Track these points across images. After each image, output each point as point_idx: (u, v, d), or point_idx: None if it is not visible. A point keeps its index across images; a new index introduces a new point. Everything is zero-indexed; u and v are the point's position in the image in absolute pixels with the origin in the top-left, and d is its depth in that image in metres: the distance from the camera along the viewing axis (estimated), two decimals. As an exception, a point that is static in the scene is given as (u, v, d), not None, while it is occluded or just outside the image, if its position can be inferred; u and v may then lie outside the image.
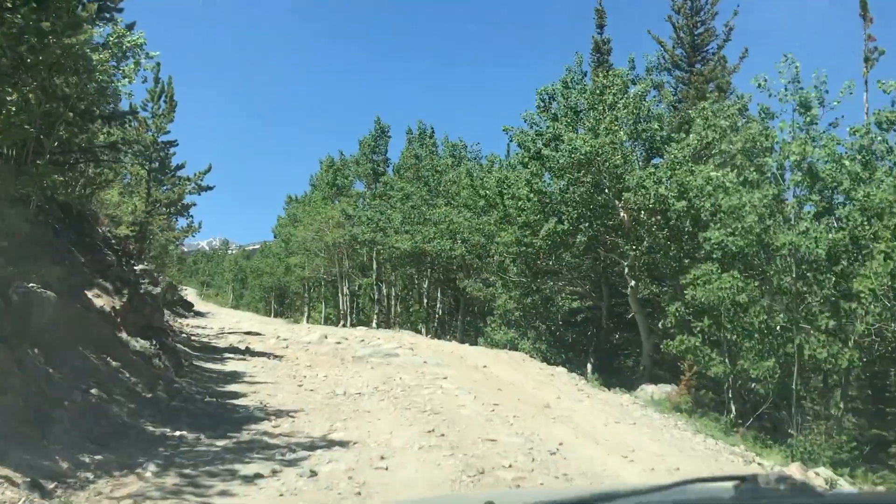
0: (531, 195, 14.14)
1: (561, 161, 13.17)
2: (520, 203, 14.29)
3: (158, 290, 20.58)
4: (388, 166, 29.79)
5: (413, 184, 24.98)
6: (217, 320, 28.72)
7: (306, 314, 39.56)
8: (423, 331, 27.14)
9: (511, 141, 14.48)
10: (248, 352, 14.10)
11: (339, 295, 33.82)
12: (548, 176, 15.22)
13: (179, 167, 18.72)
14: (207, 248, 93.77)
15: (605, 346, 18.03)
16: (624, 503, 1.35)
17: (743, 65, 19.72)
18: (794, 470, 7.32)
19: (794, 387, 9.91)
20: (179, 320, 26.31)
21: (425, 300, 28.34)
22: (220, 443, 6.55)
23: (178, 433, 6.99)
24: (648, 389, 14.00)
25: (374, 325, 28.19)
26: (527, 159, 14.32)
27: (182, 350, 12.48)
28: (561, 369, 15.09)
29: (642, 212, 14.31)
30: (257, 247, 66.15)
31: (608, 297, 17.80)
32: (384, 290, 30.82)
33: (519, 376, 13.00)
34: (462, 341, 22.36)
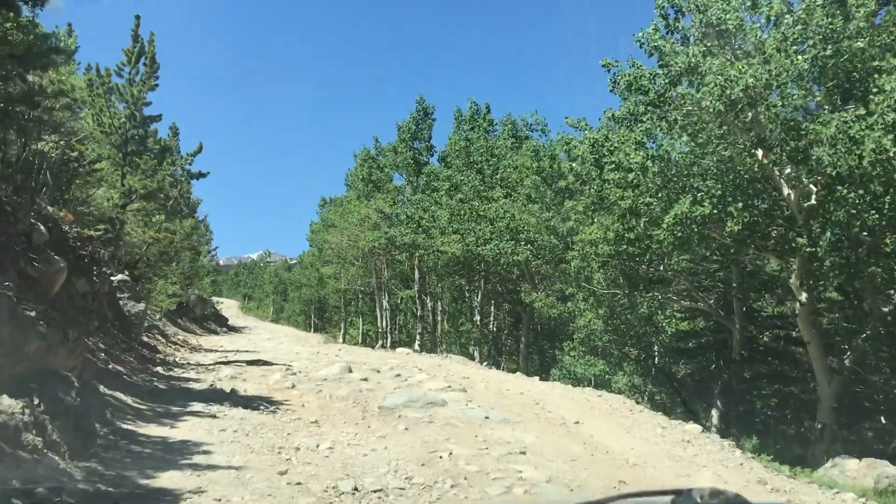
0: (648, 163, 9.11)
1: (704, 104, 8.15)
2: (630, 176, 9.24)
3: (142, 306, 16.66)
4: (432, 155, 25.05)
5: (463, 172, 20.19)
6: (245, 338, 26.04)
7: (342, 331, 35.44)
8: (476, 355, 22.33)
9: (614, 88, 9.54)
10: (232, 397, 9.70)
11: (378, 310, 29.42)
12: (658, 137, 10.23)
13: (166, 149, 14.58)
14: (257, 260, 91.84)
15: (737, 386, 12.73)
16: None
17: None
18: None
19: None
20: (194, 338, 22.87)
21: (478, 317, 23.49)
22: None
23: None
24: (849, 467, 8.70)
25: (416, 346, 23.54)
26: (642, 108, 9.27)
27: (112, 404, 7.95)
28: (694, 427, 10.08)
29: (816, 186, 9.18)
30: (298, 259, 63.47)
31: (741, 316, 12.56)
32: (429, 305, 26.18)
33: (638, 445, 8.47)
34: (527, 371, 17.45)
